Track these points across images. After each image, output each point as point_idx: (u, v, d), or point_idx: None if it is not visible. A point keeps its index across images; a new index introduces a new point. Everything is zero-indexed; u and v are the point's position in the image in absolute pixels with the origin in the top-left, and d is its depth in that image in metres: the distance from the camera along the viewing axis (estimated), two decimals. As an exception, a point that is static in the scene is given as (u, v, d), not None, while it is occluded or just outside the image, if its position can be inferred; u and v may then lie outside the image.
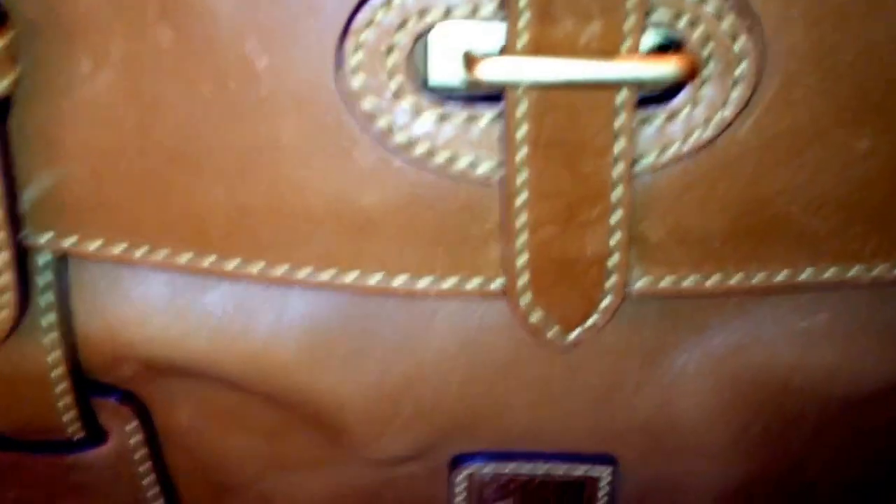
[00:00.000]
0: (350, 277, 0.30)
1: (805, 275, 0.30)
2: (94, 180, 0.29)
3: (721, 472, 0.36)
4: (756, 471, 0.36)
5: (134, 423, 0.34)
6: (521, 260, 0.29)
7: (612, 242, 0.29)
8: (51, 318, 0.31)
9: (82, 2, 0.26)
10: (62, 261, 0.31)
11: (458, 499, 0.36)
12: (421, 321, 0.32)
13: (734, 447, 0.35)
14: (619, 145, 0.27)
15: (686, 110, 0.28)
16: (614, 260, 0.29)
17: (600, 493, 0.36)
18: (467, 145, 0.28)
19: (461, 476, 0.35)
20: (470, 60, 0.26)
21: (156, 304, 0.31)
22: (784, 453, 0.35)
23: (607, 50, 0.26)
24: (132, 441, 0.35)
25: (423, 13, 0.26)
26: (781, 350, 0.33)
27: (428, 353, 0.32)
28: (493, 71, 0.26)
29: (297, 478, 0.36)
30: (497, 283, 0.30)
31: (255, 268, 0.30)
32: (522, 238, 0.29)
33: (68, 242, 0.30)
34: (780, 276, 0.30)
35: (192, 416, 0.34)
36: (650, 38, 0.27)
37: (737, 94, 0.27)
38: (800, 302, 0.33)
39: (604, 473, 0.35)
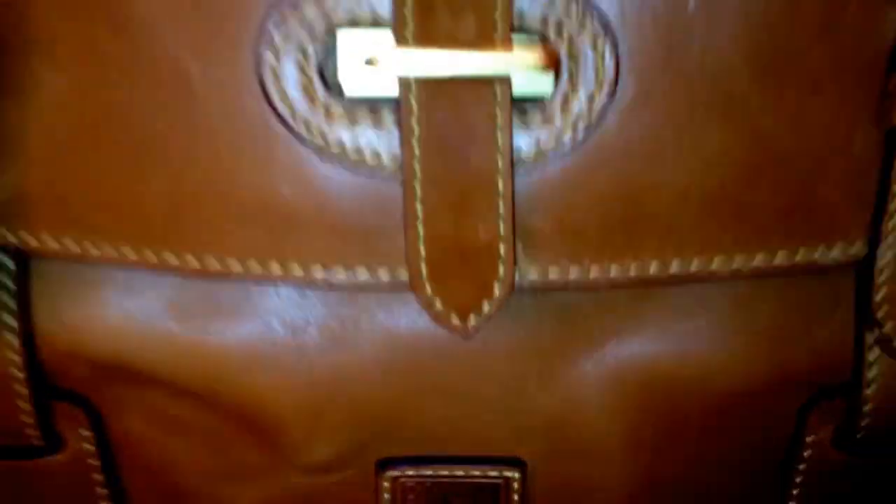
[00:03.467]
0: (273, 268, 0.32)
1: (674, 267, 0.32)
2: (50, 179, 0.31)
3: (622, 473, 0.37)
4: (655, 471, 0.37)
5: (87, 430, 0.35)
6: (421, 251, 0.31)
7: (500, 233, 0.31)
8: (9, 318, 0.33)
9: (38, 16, 0.29)
10: (22, 264, 0.33)
11: (385, 505, 0.37)
12: (347, 327, 0.34)
13: (630, 447, 0.36)
14: (500, 139, 0.30)
15: (557, 111, 0.30)
16: (503, 250, 0.31)
17: (513, 495, 0.36)
18: (374, 143, 0.30)
19: (386, 480, 0.36)
20: (370, 60, 0.29)
21: (109, 307, 0.33)
22: (676, 453, 0.37)
23: (481, 44, 0.28)
24: (86, 447, 0.36)
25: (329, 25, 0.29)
26: (667, 355, 0.35)
27: (353, 357, 0.34)
28: (387, 63, 0.29)
29: (239, 487, 0.37)
30: (404, 275, 0.32)
31: (190, 259, 0.31)
32: (420, 228, 0.31)
33: (24, 238, 0.31)
34: (652, 269, 0.32)
35: (141, 423, 0.36)
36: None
37: (599, 96, 0.30)
38: (680, 308, 0.34)
39: (515, 475, 0.36)
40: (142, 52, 0.29)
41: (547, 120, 0.30)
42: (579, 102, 0.30)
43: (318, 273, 0.32)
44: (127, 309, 0.33)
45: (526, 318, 0.34)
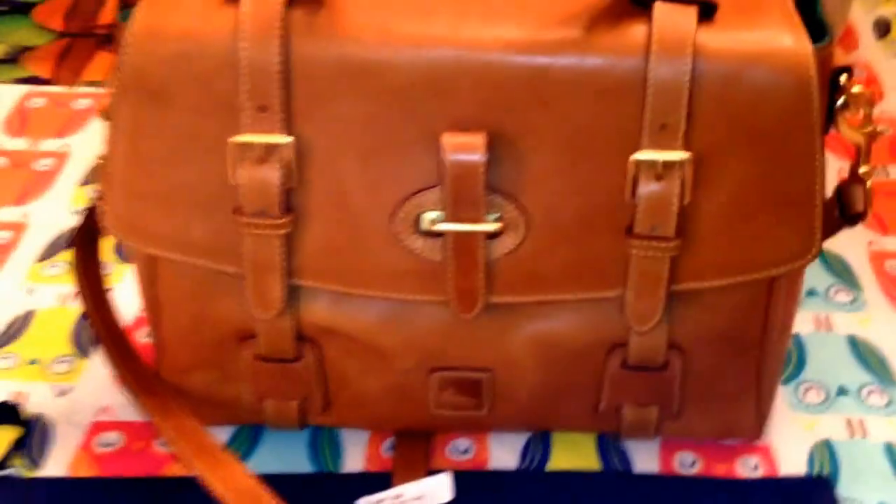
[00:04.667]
0: (395, 295, 0.81)
1: (552, 296, 0.81)
2: (305, 260, 0.80)
3: (532, 381, 0.86)
4: (548, 381, 0.86)
5: (315, 352, 0.85)
6: (452, 291, 0.80)
7: (481, 284, 0.80)
8: (291, 312, 0.83)
9: (312, 208, 0.78)
10: (297, 288, 0.82)
11: (432, 388, 0.87)
12: (423, 314, 0.83)
13: (537, 369, 0.85)
14: (481, 250, 0.79)
15: (503, 240, 0.79)
16: (481, 291, 0.80)
17: (484, 385, 0.86)
18: (434, 251, 0.79)
19: (433, 377, 0.86)
20: (434, 223, 0.78)
21: (325, 305, 0.83)
22: (556, 371, 0.86)
23: (474, 221, 0.77)
24: (314, 360, 0.85)
25: (420, 214, 0.78)
26: (554, 328, 0.83)
27: (423, 324, 0.83)
28: (441, 227, 0.78)
29: (369, 377, 0.87)
30: (443, 298, 0.81)
31: (358, 290, 0.81)
32: (453, 283, 0.80)
33: (301, 281, 0.81)
34: (544, 297, 0.81)
35: (334, 351, 0.85)
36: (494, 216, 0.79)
37: (519, 235, 0.79)
38: (558, 308, 0.83)
39: (486, 376, 0.86)
40: (348, 210, 0.78)
41: (500, 242, 0.79)
42: (513, 237, 0.79)
43: (410, 297, 0.81)
44: (333, 306, 0.83)
45: (492, 312, 0.83)
